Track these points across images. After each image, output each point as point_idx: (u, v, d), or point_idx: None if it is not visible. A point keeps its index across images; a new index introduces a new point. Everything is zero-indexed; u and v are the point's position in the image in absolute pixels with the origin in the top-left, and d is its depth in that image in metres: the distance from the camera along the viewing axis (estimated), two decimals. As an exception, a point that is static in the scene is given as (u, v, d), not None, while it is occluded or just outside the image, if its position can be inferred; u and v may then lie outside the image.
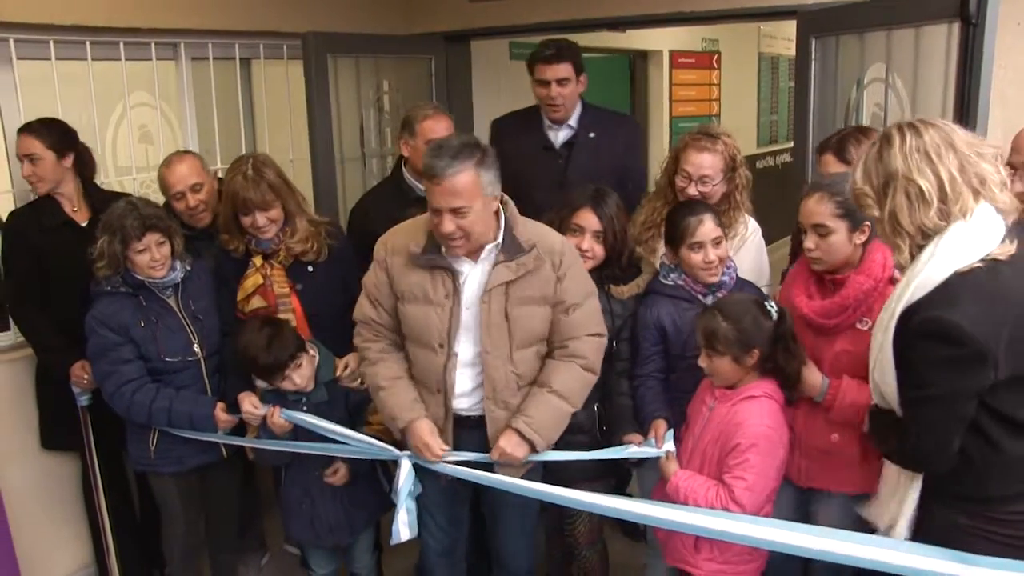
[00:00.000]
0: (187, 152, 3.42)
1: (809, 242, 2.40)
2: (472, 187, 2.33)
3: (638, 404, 2.77)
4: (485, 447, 2.56)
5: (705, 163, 2.94)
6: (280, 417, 2.83)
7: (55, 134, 3.19)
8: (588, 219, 2.79)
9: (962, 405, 1.86)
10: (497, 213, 2.48)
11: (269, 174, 2.93)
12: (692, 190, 2.95)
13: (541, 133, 3.73)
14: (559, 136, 3.72)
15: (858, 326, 2.39)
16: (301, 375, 2.86)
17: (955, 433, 1.87)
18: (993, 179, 1.87)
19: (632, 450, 2.64)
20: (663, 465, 2.56)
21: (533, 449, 2.51)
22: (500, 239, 2.47)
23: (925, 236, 1.88)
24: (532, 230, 2.53)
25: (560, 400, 2.51)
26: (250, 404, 2.88)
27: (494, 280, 2.45)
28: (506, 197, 2.53)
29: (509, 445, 2.49)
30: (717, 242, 2.70)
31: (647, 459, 2.70)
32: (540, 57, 3.59)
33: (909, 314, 1.88)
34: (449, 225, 2.36)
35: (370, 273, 2.64)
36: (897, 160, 1.87)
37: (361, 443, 2.70)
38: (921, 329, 1.84)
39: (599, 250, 2.80)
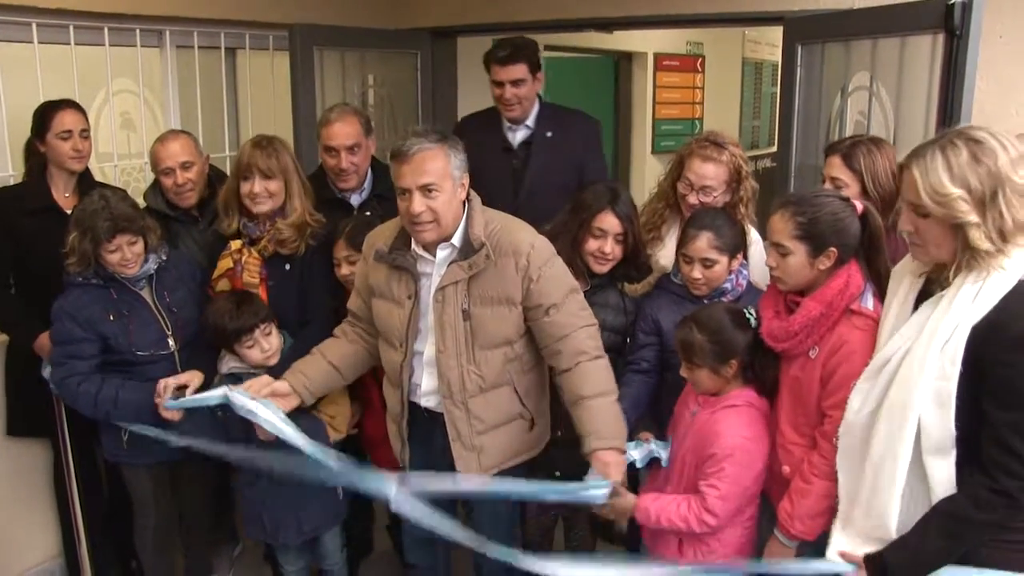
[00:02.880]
0: (182, 131, 3.43)
1: (770, 259, 2.31)
2: (441, 165, 2.33)
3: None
4: (447, 443, 2.57)
5: (708, 173, 2.89)
6: (165, 408, 2.78)
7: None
8: (610, 222, 2.77)
9: None
10: (464, 205, 2.48)
11: (282, 150, 2.98)
12: (693, 199, 2.93)
13: (501, 133, 3.70)
14: (517, 136, 3.69)
15: (809, 354, 2.27)
16: (270, 342, 2.84)
17: None
18: None
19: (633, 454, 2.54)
20: (617, 504, 2.42)
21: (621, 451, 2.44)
22: (458, 237, 2.46)
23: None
24: (498, 228, 2.47)
25: (600, 399, 2.44)
26: (162, 385, 2.81)
27: (446, 279, 2.45)
28: (472, 193, 2.53)
29: (610, 467, 2.36)
30: (707, 263, 2.65)
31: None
32: (494, 58, 3.55)
33: (985, 331, 1.82)
34: (419, 205, 2.34)
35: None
36: (1008, 167, 1.80)
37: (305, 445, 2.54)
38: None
39: (618, 251, 2.80)
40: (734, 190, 2.94)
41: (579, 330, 2.49)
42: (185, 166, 3.23)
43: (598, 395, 2.46)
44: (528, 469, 2.72)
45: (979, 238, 1.81)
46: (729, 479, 2.33)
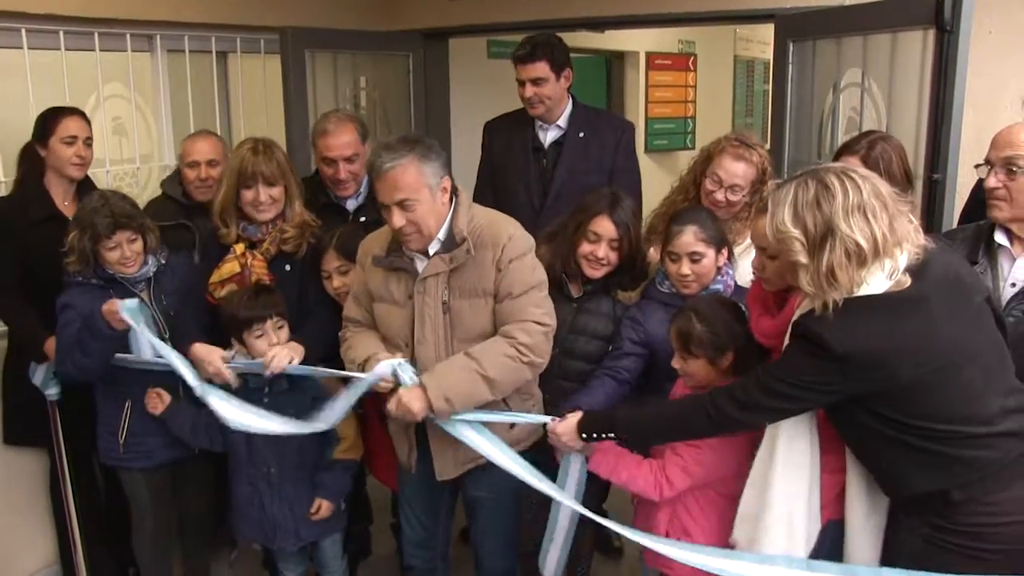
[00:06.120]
0: (214, 133, 3.59)
1: (755, 261, 2.30)
2: (413, 178, 2.36)
3: (584, 388, 2.73)
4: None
5: (739, 172, 2.92)
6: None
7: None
8: (605, 227, 2.76)
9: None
10: (450, 202, 2.49)
11: (278, 153, 2.96)
12: (720, 195, 2.94)
13: (531, 132, 3.67)
14: (548, 136, 3.65)
15: None
16: (280, 337, 2.80)
17: None
18: (912, 239, 1.91)
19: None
20: (557, 429, 2.43)
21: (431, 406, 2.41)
22: (443, 232, 2.48)
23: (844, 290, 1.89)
24: (482, 222, 2.50)
25: (471, 361, 2.41)
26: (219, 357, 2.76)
27: (428, 270, 2.48)
28: (459, 187, 2.54)
29: (408, 395, 2.40)
30: (695, 258, 2.64)
31: None
32: (515, 56, 3.53)
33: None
34: (399, 220, 2.39)
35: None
36: (839, 216, 1.85)
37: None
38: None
39: (614, 257, 2.79)
40: (756, 190, 2.94)
41: (526, 322, 2.45)
42: (211, 163, 3.38)
43: (474, 359, 2.41)
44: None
45: (805, 281, 1.90)
46: (694, 456, 2.33)
